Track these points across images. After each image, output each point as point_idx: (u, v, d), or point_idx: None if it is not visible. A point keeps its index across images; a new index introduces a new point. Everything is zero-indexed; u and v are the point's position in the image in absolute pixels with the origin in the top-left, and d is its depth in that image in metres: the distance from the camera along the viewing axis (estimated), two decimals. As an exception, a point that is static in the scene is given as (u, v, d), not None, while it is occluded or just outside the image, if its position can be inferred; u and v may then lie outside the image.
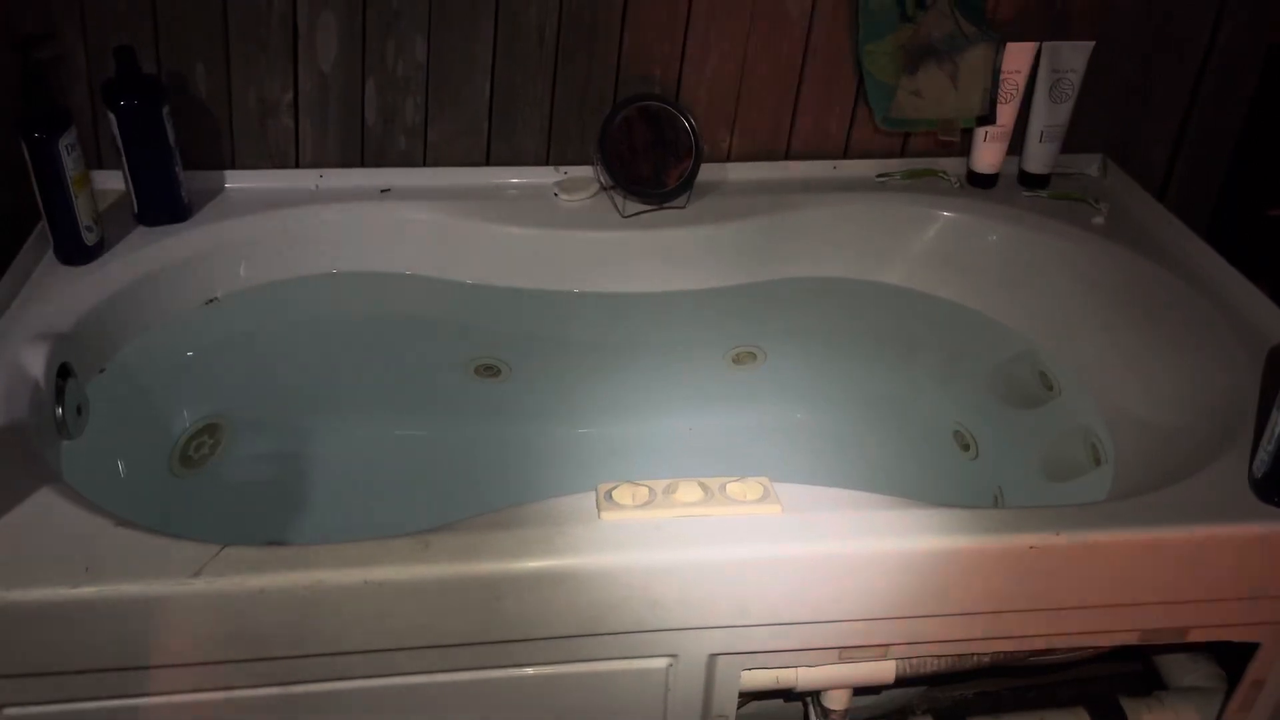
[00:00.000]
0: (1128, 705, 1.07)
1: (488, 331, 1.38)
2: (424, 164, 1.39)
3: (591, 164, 1.39)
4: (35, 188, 1.13)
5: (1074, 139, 1.43)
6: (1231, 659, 1.05)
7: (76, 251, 1.17)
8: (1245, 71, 1.45)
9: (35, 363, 1.02)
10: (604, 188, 1.38)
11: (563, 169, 1.40)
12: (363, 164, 1.37)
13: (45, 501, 0.86)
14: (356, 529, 0.86)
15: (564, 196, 1.36)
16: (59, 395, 1.03)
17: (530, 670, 0.88)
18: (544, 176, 1.39)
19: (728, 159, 1.43)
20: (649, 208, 1.36)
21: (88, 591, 0.78)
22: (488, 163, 1.40)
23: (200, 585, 0.79)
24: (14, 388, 0.98)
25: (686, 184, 1.35)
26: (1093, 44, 1.35)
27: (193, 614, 0.80)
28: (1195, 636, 0.97)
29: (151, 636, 0.81)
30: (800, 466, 0.90)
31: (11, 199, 1.19)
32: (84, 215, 1.16)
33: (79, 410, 1.06)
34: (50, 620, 0.79)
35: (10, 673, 0.81)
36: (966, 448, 1.37)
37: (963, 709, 1.08)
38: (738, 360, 1.45)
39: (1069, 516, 0.89)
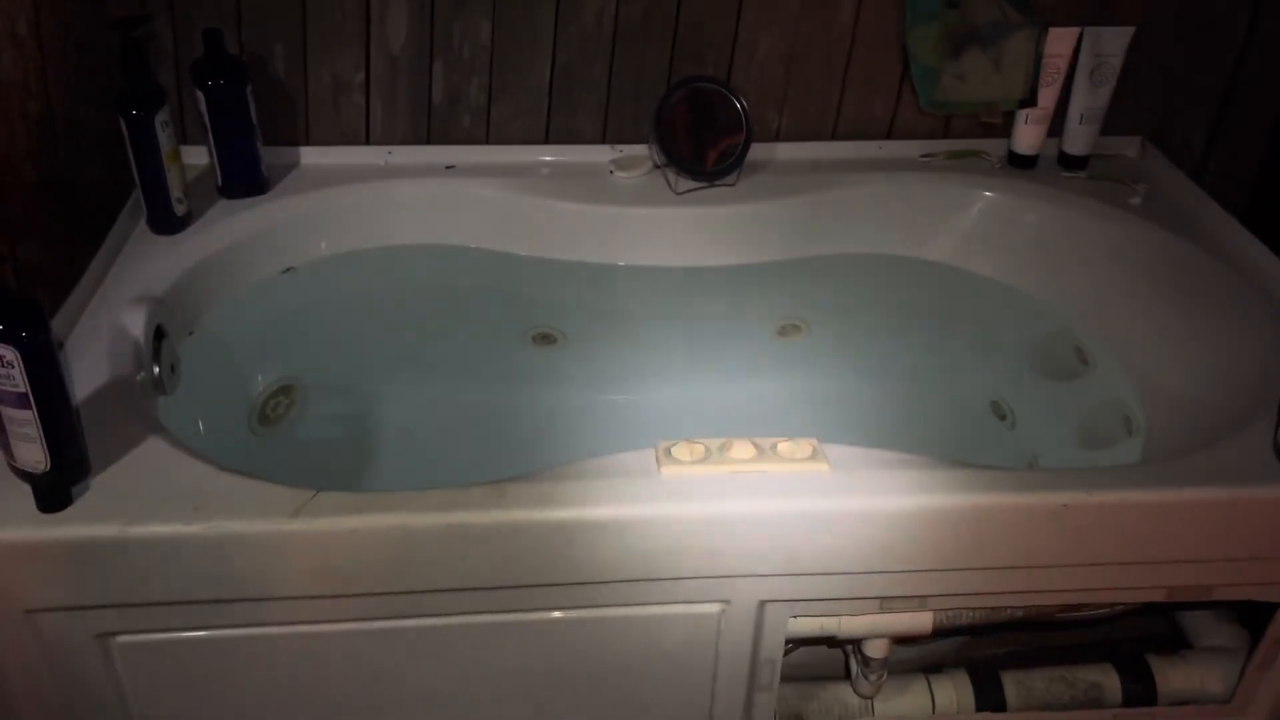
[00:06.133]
0: (1154, 662, 1.12)
1: (545, 302, 1.45)
2: (487, 142, 1.45)
3: (646, 143, 1.45)
4: (131, 161, 1.21)
5: (1114, 122, 1.46)
6: (1255, 620, 1.09)
7: (167, 221, 1.25)
8: (1284, 58, 1.48)
9: (135, 324, 1.09)
10: (657, 166, 1.43)
11: (618, 147, 1.46)
12: (429, 141, 1.44)
13: (155, 449, 0.93)
14: (421, 486, 0.91)
15: (619, 174, 1.42)
16: (156, 355, 1.11)
17: (594, 612, 0.95)
18: (600, 155, 1.45)
19: (777, 139, 1.48)
20: (700, 185, 1.41)
21: (196, 529, 0.86)
22: (547, 141, 1.46)
23: (298, 525, 0.86)
24: (118, 346, 1.06)
25: (737, 162, 1.40)
26: (1133, 29, 1.39)
27: (289, 551, 0.88)
28: (1219, 595, 1.02)
29: (251, 571, 0.88)
30: (843, 434, 0.95)
31: (108, 171, 1.27)
32: (175, 188, 1.24)
33: (173, 369, 1.14)
34: (162, 555, 0.87)
35: (123, 602, 0.89)
36: (1003, 418, 1.42)
37: (995, 664, 1.13)
38: (783, 333, 1.50)
39: (1100, 477, 0.94)
